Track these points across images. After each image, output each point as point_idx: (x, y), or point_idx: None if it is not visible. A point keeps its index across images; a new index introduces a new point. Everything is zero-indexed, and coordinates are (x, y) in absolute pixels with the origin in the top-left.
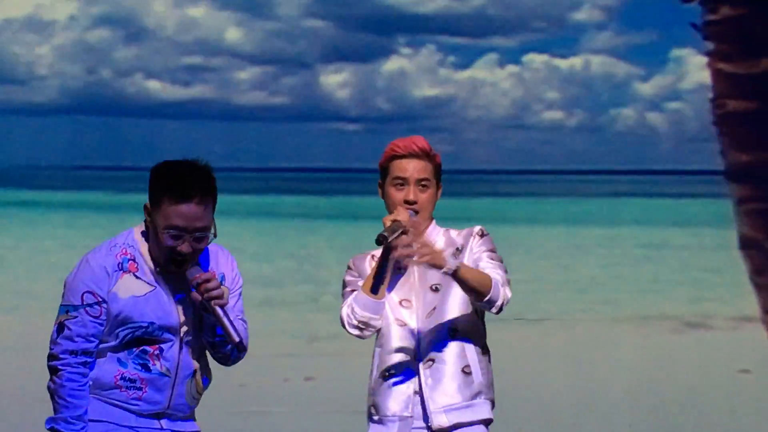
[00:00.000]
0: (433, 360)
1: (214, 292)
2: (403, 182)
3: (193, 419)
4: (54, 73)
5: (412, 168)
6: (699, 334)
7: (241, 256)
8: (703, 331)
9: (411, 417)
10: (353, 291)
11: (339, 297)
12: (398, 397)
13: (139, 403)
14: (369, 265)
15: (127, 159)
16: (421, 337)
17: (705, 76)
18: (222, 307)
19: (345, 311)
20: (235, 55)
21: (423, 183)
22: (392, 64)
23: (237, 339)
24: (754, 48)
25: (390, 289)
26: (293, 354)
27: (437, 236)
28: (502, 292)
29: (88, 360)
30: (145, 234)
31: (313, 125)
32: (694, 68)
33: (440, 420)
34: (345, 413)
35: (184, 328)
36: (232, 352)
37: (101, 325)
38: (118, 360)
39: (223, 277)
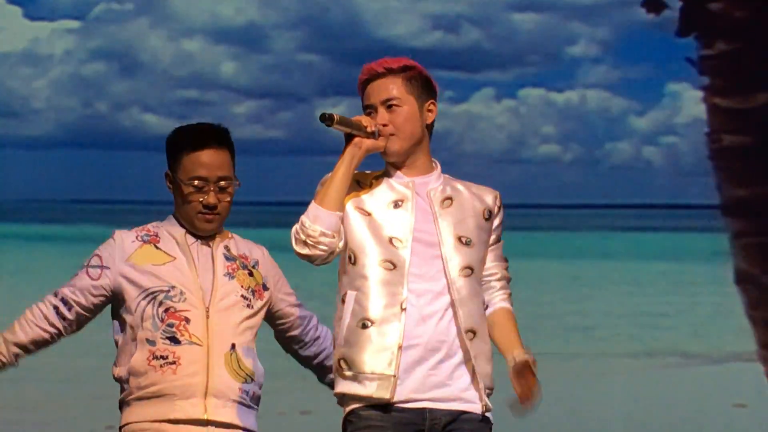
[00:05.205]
0: (474, 332)
1: None
2: (371, 108)
3: (252, 412)
4: (50, 107)
5: (374, 90)
6: (695, 368)
7: None
8: (699, 365)
9: (394, 377)
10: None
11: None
12: (380, 353)
13: (176, 381)
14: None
15: (123, 192)
16: (459, 298)
17: (700, 111)
18: None
19: (293, 228)
20: (230, 89)
21: (390, 103)
22: None
23: None
24: (750, 82)
25: (386, 224)
26: (289, 387)
27: (448, 183)
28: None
29: (63, 309)
30: (175, 215)
31: (309, 159)
32: (690, 102)
33: (486, 403)
34: None
35: (211, 299)
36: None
37: (94, 287)
38: (147, 341)
39: (256, 264)
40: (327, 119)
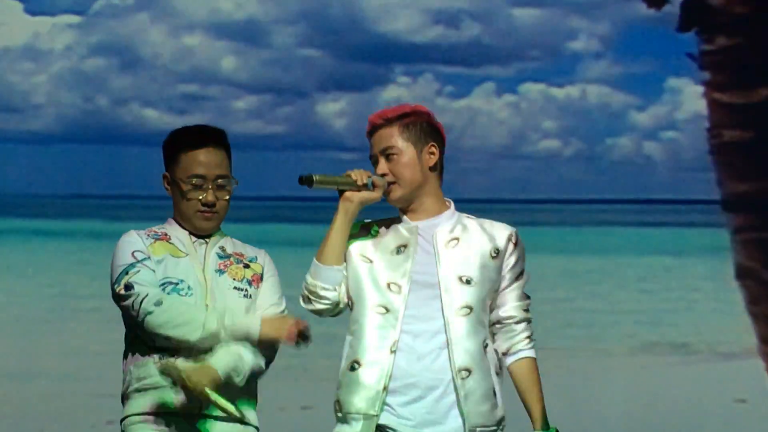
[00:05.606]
0: (469, 371)
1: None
2: (374, 159)
3: (252, 407)
4: (50, 102)
5: (375, 142)
6: (695, 364)
7: None
8: (699, 360)
9: (376, 416)
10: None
11: (336, 325)
12: (365, 394)
13: None
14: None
15: (124, 187)
16: (454, 338)
17: (701, 106)
18: None
19: (302, 285)
20: (231, 83)
21: (388, 152)
22: (390, 93)
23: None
24: (750, 78)
25: (386, 269)
26: (289, 382)
27: (459, 222)
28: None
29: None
30: (175, 218)
31: (309, 154)
32: (690, 98)
33: None
34: None
35: (211, 297)
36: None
37: (155, 279)
38: None
39: (253, 258)
40: (305, 181)
